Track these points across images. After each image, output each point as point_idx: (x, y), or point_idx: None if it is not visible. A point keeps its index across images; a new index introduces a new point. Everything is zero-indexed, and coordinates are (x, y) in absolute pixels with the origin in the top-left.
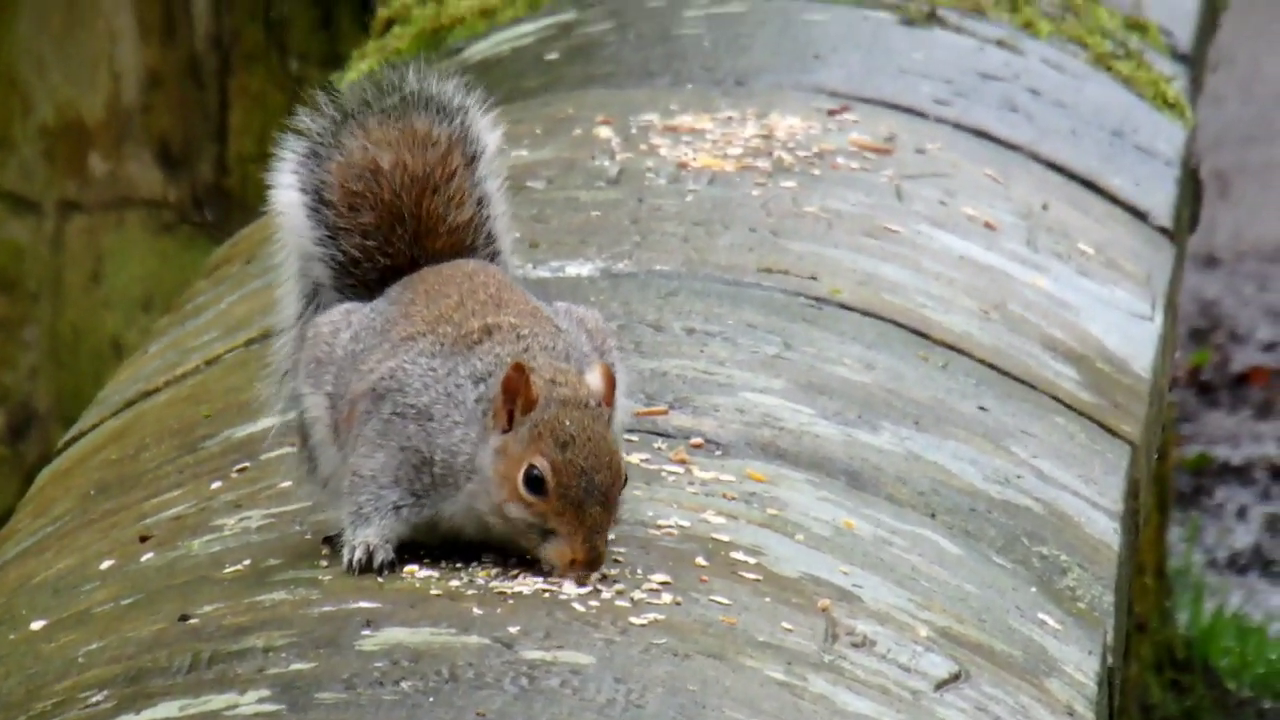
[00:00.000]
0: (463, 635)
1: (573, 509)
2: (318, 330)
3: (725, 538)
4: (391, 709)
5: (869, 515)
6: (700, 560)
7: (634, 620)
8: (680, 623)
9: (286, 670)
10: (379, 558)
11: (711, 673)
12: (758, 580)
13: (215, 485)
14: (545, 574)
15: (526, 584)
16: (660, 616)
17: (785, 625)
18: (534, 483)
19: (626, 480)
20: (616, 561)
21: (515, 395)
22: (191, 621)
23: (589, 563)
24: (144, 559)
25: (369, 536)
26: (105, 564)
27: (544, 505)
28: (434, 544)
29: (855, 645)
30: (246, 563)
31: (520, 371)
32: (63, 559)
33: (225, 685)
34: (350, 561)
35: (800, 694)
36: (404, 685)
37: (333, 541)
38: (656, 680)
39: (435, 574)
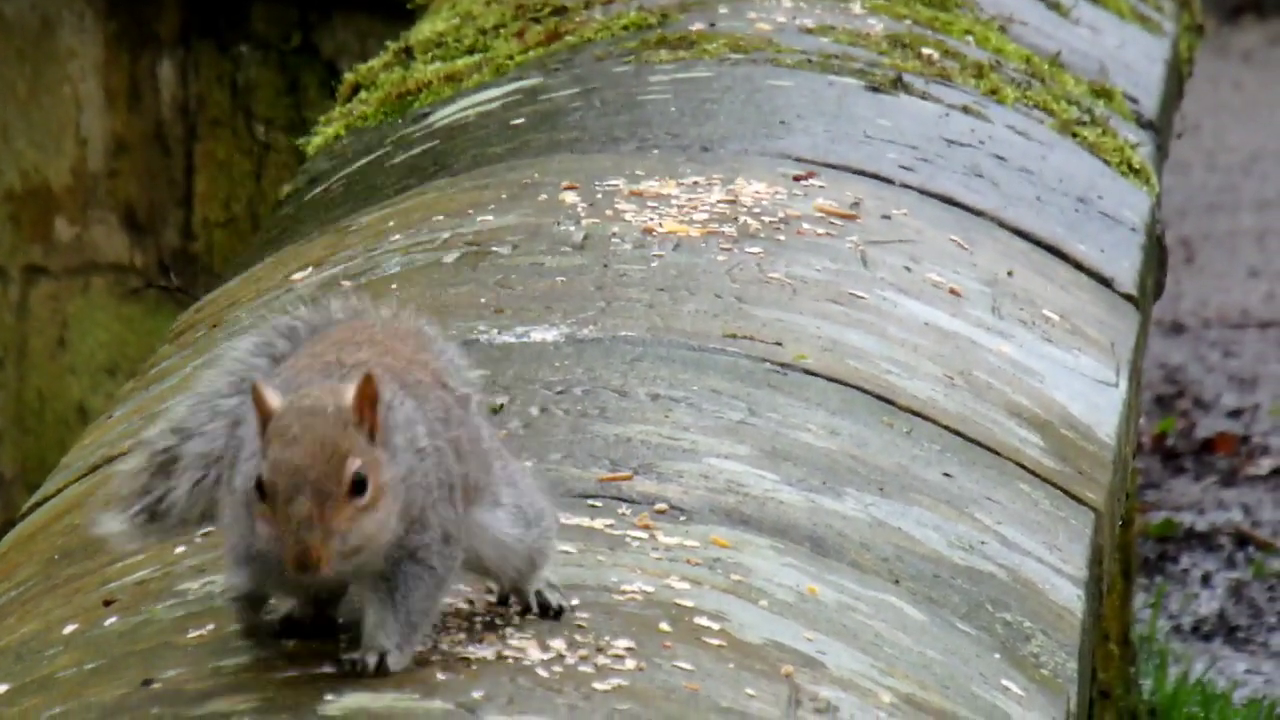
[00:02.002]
0: (426, 700)
1: (283, 506)
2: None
3: (689, 603)
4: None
5: (833, 581)
6: (664, 626)
7: (597, 686)
8: (643, 689)
9: None
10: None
11: None
12: (721, 646)
13: (179, 550)
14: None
15: (489, 650)
16: (623, 682)
17: (749, 691)
18: (260, 490)
19: (364, 484)
20: (580, 627)
21: (260, 412)
22: (154, 686)
23: (296, 560)
24: (107, 624)
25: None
26: (68, 629)
27: (268, 510)
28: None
29: (819, 712)
30: (210, 627)
31: (256, 388)
32: (26, 624)
33: None
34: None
35: None
36: None
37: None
38: None
39: None
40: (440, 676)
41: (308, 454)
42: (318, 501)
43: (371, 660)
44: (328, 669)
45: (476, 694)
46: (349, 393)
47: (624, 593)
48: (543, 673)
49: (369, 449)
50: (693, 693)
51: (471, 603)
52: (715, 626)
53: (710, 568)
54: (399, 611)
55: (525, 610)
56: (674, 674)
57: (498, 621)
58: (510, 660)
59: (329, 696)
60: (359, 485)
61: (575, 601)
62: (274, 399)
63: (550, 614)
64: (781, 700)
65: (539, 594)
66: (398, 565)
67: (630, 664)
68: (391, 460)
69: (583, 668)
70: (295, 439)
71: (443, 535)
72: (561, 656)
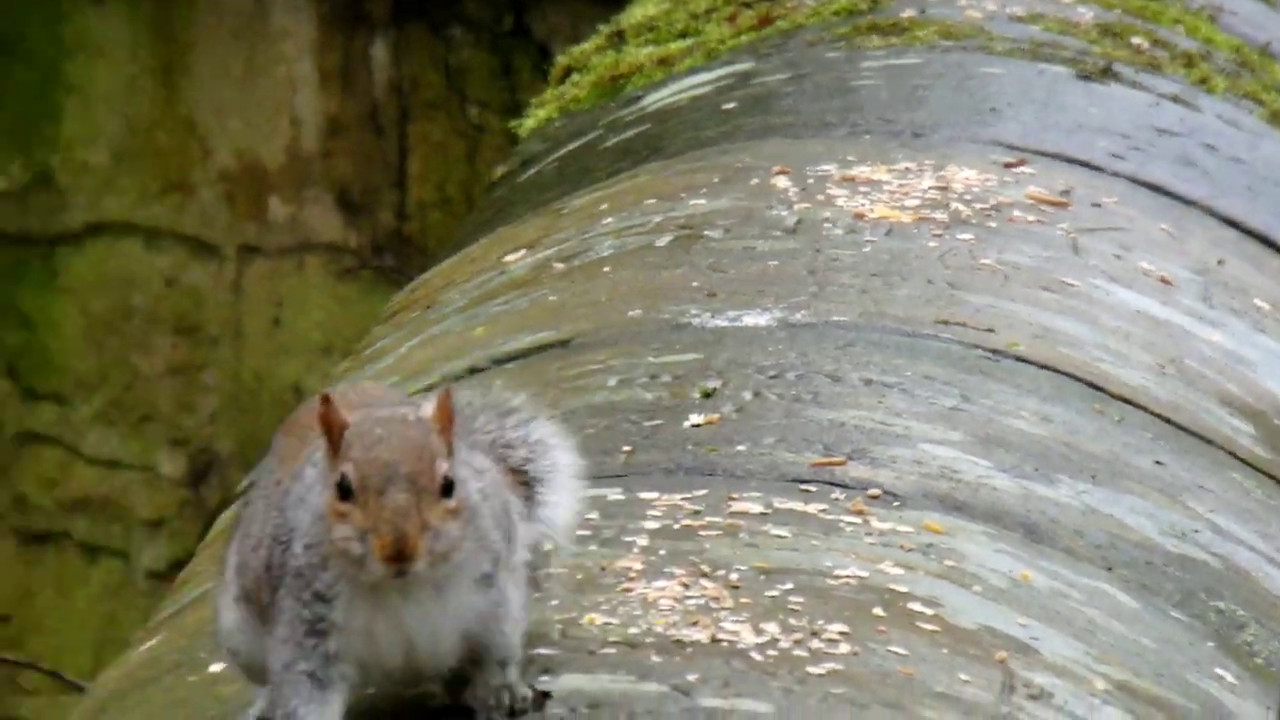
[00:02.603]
0: (640, 683)
1: (374, 497)
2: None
3: (903, 588)
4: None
5: (1046, 568)
6: (878, 611)
7: (811, 670)
8: (858, 673)
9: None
10: None
11: None
12: (935, 631)
13: None
14: (372, 578)
15: (703, 633)
16: (838, 666)
17: (962, 676)
18: (344, 489)
19: (452, 485)
20: (794, 611)
21: (330, 426)
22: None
23: (393, 547)
24: None
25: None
26: None
27: (353, 508)
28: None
29: (1032, 698)
30: None
31: (327, 401)
32: None
33: None
34: None
35: None
36: None
37: None
38: None
39: (613, 622)
40: (654, 659)
41: (397, 450)
42: (412, 493)
43: (519, 693)
44: (543, 650)
45: (691, 677)
46: (428, 407)
47: (838, 577)
48: (757, 656)
49: (449, 457)
50: (907, 677)
51: (686, 585)
52: (929, 611)
53: (923, 553)
54: (504, 643)
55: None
56: (888, 658)
57: (711, 605)
58: (724, 644)
59: (544, 678)
60: (448, 486)
61: (548, 690)
62: (346, 413)
63: (517, 711)
64: (995, 686)
65: (510, 689)
66: (484, 602)
67: (844, 648)
68: (464, 483)
69: (797, 651)
70: (381, 439)
71: (516, 580)
72: (775, 640)
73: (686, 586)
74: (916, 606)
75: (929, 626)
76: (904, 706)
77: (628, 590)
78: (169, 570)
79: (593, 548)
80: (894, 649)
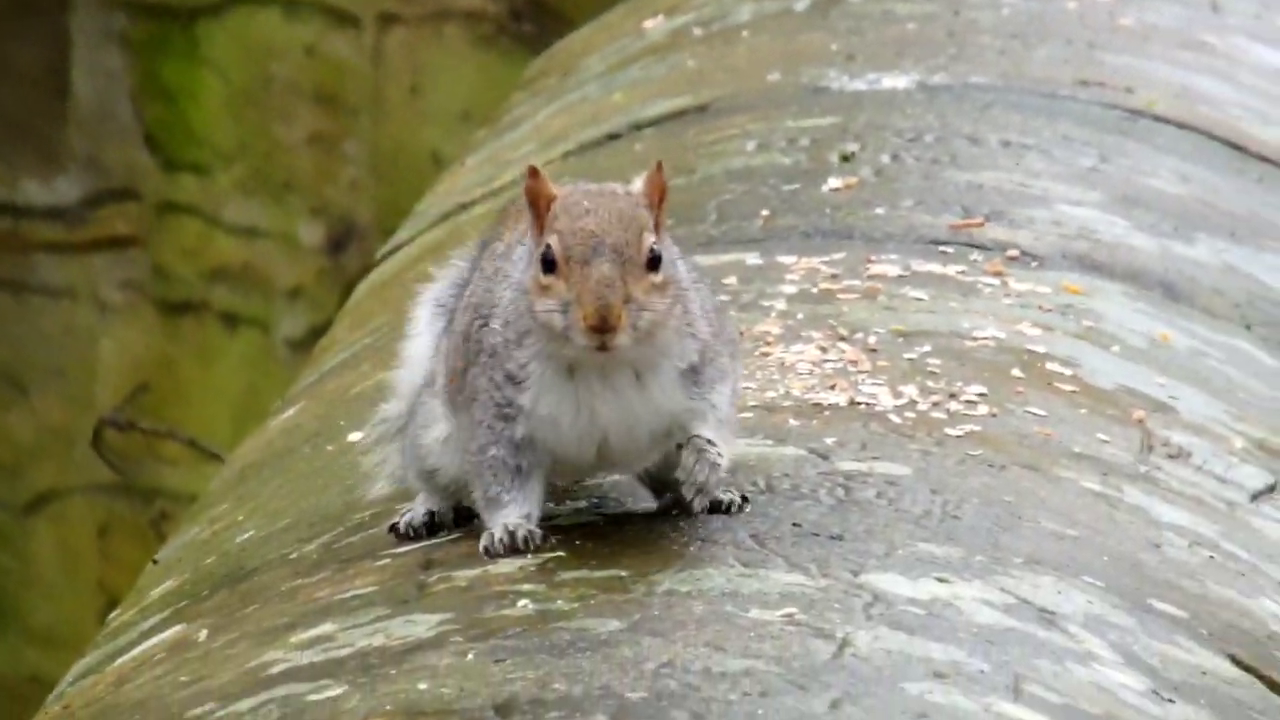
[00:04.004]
0: (779, 446)
1: (579, 267)
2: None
3: (1041, 349)
4: (707, 519)
5: (1184, 327)
6: (1016, 372)
7: (949, 432)
8: (996, 434)
9: (603, 479)
10: (520, 535)
11: (1027, 484)
12: (1073, 392)
13: None
14: (573, 353)
15: (841, 396)
16: (976, 428)
17: (1101, 437)
18: (548, 262)
19: (659, 259)
20: (932, 373)
21: (537, 199)
22: None
23: (597, 317)
24: None
25: (505, 518)
26: None
27: (556, 280)
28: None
29: (1171, 457)
30: None
31: (535, 173)
32: (380, 371)
33: (555, 496)
34: (490, 548)
35: (1115, 505)
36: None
37: (397, 530)
38: (972, 491)
39: (751, 385)
40: (793, 423)
41: (604, 221)
42: (617, 263)
43: (711, 458)
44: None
45: (829, 440)
46: (638, 182)
47: (975, 339)
48: (895, 419)
49: (656, 235)
50: (1045, 438)
51: (824, 349)
52: (1067, 372)
53: (1062, 314)
54: (712, 415)
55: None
56: (1026, 419)
57: (849, 368)
58: (862, 406)
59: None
60: (655, 260)
61: (745, 498)
62: (552, 184)
63: (723, 510)
64: (1134, 445)
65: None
66: (691, 404)
67: (983, 410)
68: (673, 263)
69: (935, 414)
70: (588, 210)
71: (729, 385)
72: (914, 403)
73: (824, 350)
74: (1055, 367)
75: (1067, 387)
76: (1042, 467)
77: (766, 354)
78: (308, 339)
79: (731, 312)
80: (1032, 410)
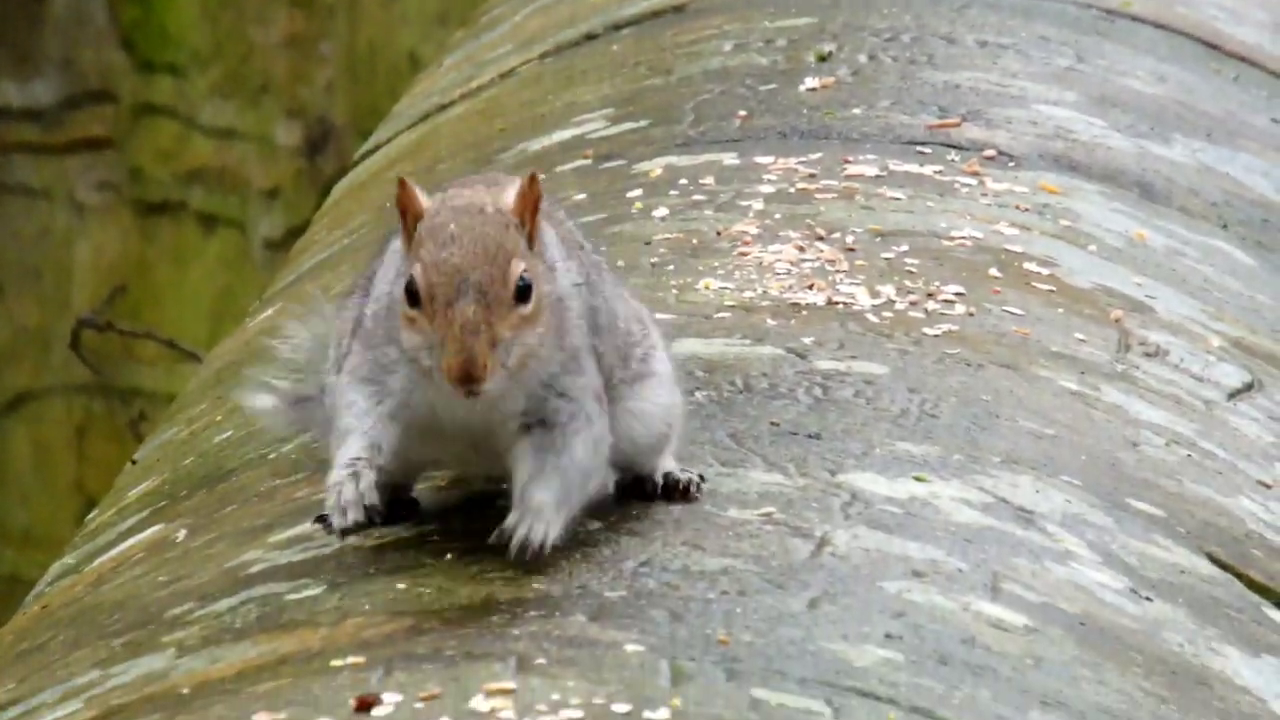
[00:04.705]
0: (756, 346)
1: (442, 309)
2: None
3: (1018, 249)
4: (687, 419)
5: (1161, 227)
6: (993, 272)
7: (927, 331)
8: (973, 334)
9: None
10: (351, 516)
11: (1005, 383)
12: (1051, 291)
13: None
14: (441, 396)
15: (819, 296)
16: (954, 328)
17: (1078, 336)
18: (411, 294)
19: (529, 290)
20: (910, 273)
21: (405, 213)
22: None
23: (461, 369)
24: None
25: (349, 453)
26: None
27: (421, 316)
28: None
29: (1148, 355)
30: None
31: (404, 185)
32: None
33: None
34: (327, 523)
35: (1093, 404)
36: (698, 395)
37: (324, 520)
38: (950, 390)
39: (729, 286)
40: (770, 322)
41: (469, 253)
42: (482, 304)
43: (536, 536)
44: (659, 316)
45: (807, 339)
46: (509, 192)
47: (953, 239)
48: (873, 318)
49: (530, 256)
50: (1023, 337)
51: (801, 249)
52: (1044, 272)
53: (1039, 213)
54: (559, 461)
55: (652, 492)
56: (1004, 319)
57: (827, 268)
58: (840, 306)
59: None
60: (524, 291)
61: (703, 478)
62: (424, 198)
63: (679, 493)
64: (1111, 344)
65: (667, 474)
66: (550, 408)
67: (960, 309)
68: (550, 274)
69: (913, 313)
70: (453, 237)
71: (594, 392)
72: (891, 302)
73: (802, 250)
74: (1032, 267)
75: (1045, 286)
76: (1020, 366)
77: (743, 254)
78: (285, 240)
79: (708, 212)
80: (1010, 309)
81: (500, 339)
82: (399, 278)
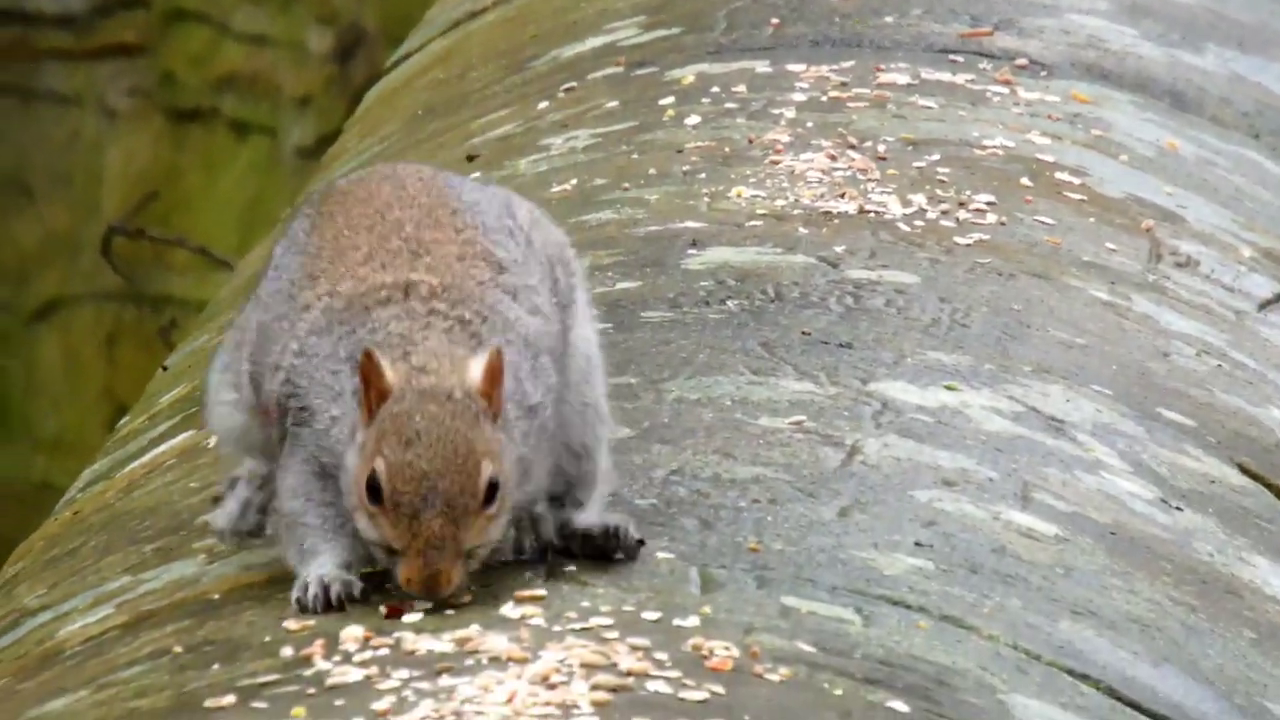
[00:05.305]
0: (788, 255)
1: (406, 520)
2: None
3: (1049, 158)
4: (717, 328)
5: (1192, 136)
6: (1024, 181)
7: (959, 240)
8: (1005, 243)
9: (612, 289)
10: (335, 590)
11: (1036, 292)
12: (1082, 201)
13: (542, 105)
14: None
15: (850, 205)
16: (985, 237)
17: (1109, 246)
18: (373, 491)
19: (495, 489)
20: (941, 182)
21: (368, 384)
22: None
23: (425, 584)
24: (472, 178)
25: (320, 569)
26: None
27: (382, 516)
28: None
29: (1179, 265)
30: (573, 183)
31: (370, 359)
32: None
33: None
34: (301, 600)
35: (1124, 314)
36: (730, 304)
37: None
38: (981, 300)
39: (761, 194)
40: (802, 231)
41: (436, 458)
42: (449, 518)
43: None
44: (690, 224)
45: (838, 248)
46: (474, 369)
47: (984, 148)
48: (904, 227)
49: (495, 437)
50: (1054, 247)
51: (833, 157)
52: (1076, 181)
53: (1070, 123)
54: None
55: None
56: (1035, 228)
57: (858, 176)
58: (872, 215)
59: (692, 251)
60: (491, 493)
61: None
62: (389, 371)
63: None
64: (1142, 254)
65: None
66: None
67: (992, 218)
68: (509, 440)
69: (944, 222)
70: (419, 436)
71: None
72: (923, 211)
73: (834, 159)
74: (1064, 176)
75: (1076, 196)
76: (1051, 276)
77: (775, 163)
78: (316, 147)
79: (740, 120)
80: (1041, 219)
81: (463, 550)
82: (352, 436)
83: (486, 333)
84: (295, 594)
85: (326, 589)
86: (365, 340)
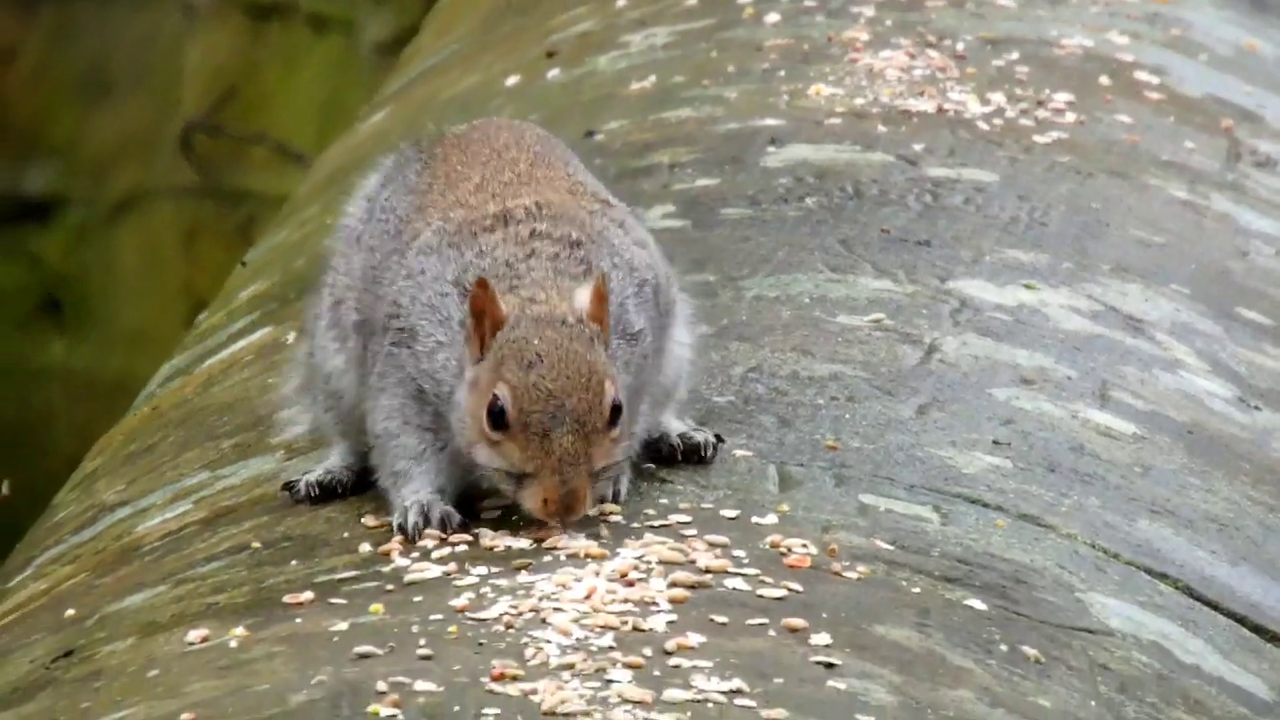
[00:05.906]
0: (867, 153)
1: (538, 440)
2: (337, 248)
3: (1129, 58)
4: (796, 225)
5: (1272, 36)
6: (1104, 80)
7: (1038, 139)
8: (1084, 142)
9: (692, 186)
10: (435, 513)
11: (1115, 191)
12: (1161, 100)
13: (620, 3)
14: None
15: (929, 103)
16: (1064, 136)
17: (1188, 145)
18: (497, 416)
19: (619, 411)
20: (1020, 81)
21: (482, 316)
22: (598, 138)
23: (563, 503)
24: (549, 76)
25: (416, 494)
26: (510, 81)
27: (509, 441)
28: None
29: (1258, 165)
30: (652, 80)
31: (484, 288)
32: (469, 77)
33: (633, 200)
34: (403, 526)
35: (1202, 213)
36: (808, 201)
37: (291, 487)
38: (1059, 199)
39: (840, 92)
40: (881, 129)
41: (562, 379)
42: (582, 436)
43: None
44: (770, 121)
45: (917, 146)
46: (582, 296)
47: (1063, 47)
48: (983, 126)
49: (610, 364)
50: (1132, 145)
51: (912, 56)
52: (1155, 80)
53: (1150, 23)
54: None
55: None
56: (1114, 127)
57: (937, 75)
58: (950, 113)
59: (771, 149)
60: (616, 414)
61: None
62: (503, 302)
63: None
64: (1221, 153)
65: (683, 435)
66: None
67: (1070, 117)
68: (621, 368)
69: (1023, 121)
70: (540, 358)
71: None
72: (1001, 110)
73: (913, 57)
74: (1142, 75)
75: (1155, 95)
76: (1129, 175)
77: (854, 61)
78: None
79: (819, 18)
80: (1120, 118)
81: (598, 470)
82: (469, 368)
83: (594, 257)
84: (395, 519)
85: (426, 514)
86: (473, 265)
